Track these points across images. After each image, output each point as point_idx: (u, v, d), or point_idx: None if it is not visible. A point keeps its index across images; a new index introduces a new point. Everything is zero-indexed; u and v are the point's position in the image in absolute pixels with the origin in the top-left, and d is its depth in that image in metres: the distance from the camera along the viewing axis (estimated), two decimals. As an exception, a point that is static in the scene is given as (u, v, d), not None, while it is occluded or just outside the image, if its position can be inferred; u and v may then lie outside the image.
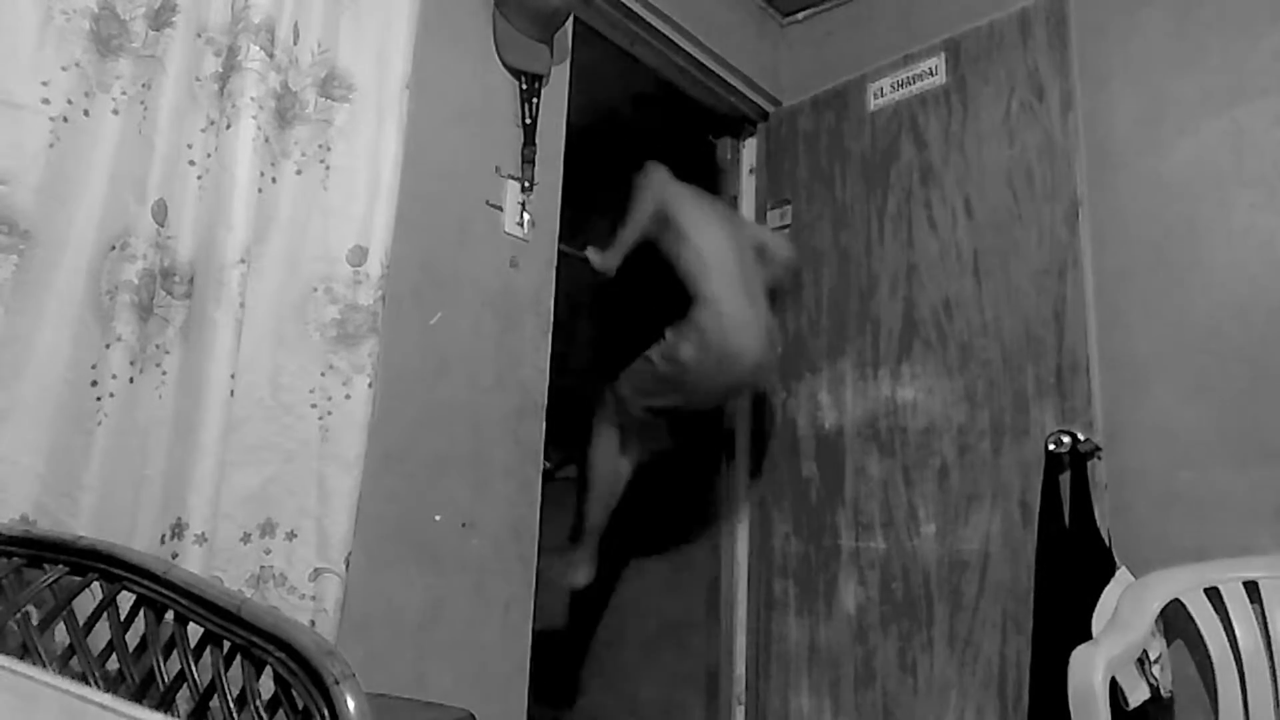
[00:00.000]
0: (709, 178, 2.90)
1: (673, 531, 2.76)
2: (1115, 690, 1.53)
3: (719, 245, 2.15)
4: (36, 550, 0.97)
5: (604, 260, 2.27)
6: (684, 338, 2.08)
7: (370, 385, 1.44)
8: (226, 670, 0.80)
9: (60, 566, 0.95)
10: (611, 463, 2.29)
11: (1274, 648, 1.61)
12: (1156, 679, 1.63)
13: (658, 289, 2.20)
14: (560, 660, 2.87)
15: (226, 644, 0.81)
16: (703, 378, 2.12)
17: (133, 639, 0.89)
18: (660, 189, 2.21)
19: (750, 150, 2.83)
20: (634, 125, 3.25)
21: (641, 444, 2.37)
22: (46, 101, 1.18)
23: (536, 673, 1.83)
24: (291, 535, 1.37)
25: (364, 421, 1.43)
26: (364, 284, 1.46)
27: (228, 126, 1.32)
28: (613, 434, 2.29)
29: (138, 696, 0.85)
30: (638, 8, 2.28)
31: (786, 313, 2.55)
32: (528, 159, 1.92)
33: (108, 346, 1.21)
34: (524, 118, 1.93)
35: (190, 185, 1.31)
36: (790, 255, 2.46)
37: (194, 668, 0.83)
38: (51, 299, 1.17)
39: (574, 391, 2.25)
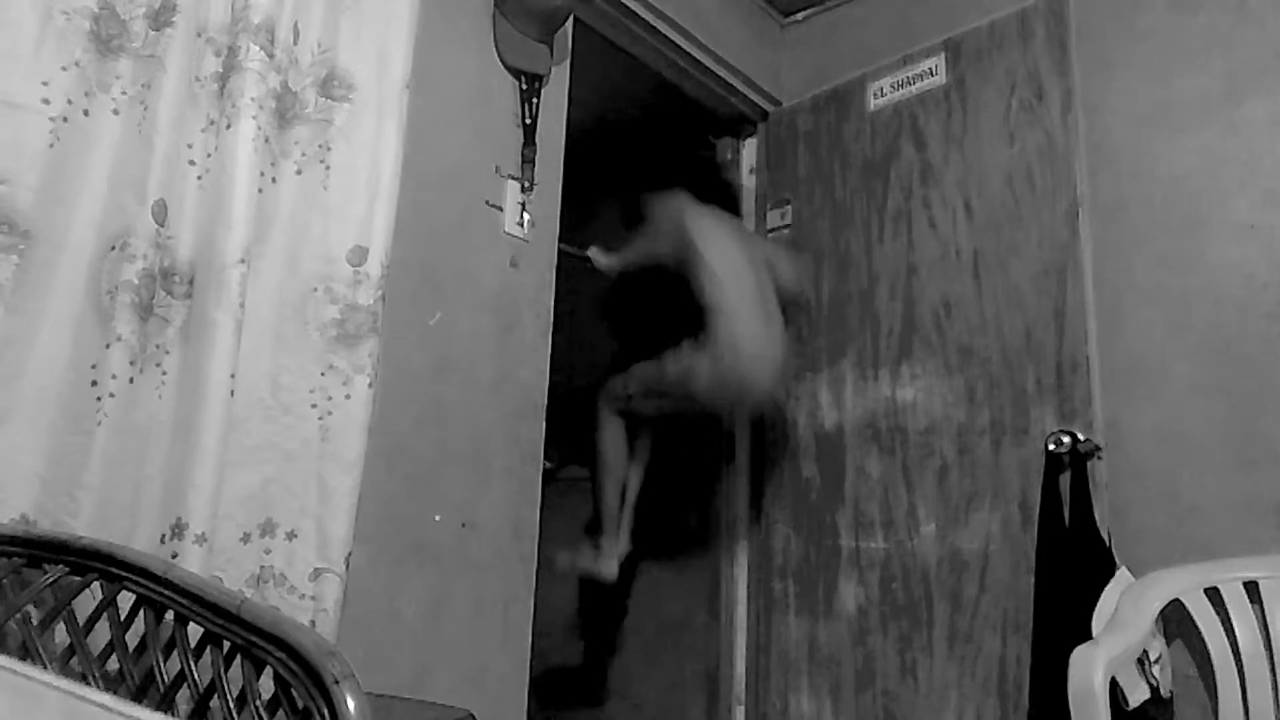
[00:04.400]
0: (708, 177, 2.91)
1: (673, 532, 2.76)
2: (1115, 690, 1.53)
3: (737, 270, 2.15)
4: (36, 550, 0.97)
5: (607, 261, 2.28)
6: (701, 358, 2.10)
7: (370, 385, 1.44)
8: (226, 670, 0.80)
9: (60, 566, 0.95)
10: (622, 449, 2.29)
11: (1274, 648, 1.61)
12: (1156, 679, 1.63)
13: (670, 292, 2.22)
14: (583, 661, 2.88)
15: (226, 644, 0.81)
16: (714, 396, 2.16)
17: (133, 639, 0.89)
18: (678, 216, 2.19)
19: (750, 150, 2.83)
20: (634, 125, 3.25)
21: (648, 434, 2.39)
22: (46, 101, 1.18)
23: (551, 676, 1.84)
24: (291, 535, 1.37)
25: (364, 421, 1.43)
26: (364, 284, 1.46)
27: (228, 126, 1.32)
28: (619, 421, 2.30)
29: (138, 696, 0.85)
30: (638, 8, 2.28)
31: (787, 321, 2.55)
32: (528, 159, 1.92)
33: (108, 346, 1.21)
34: (524, 118, 1.93)
35: (190, 185, 1.31)
36: (797, 280, 2.45)
37: (194, 668, 0.83)
38: (51, 299, 1.17)
39: (582, 390, 2.27)
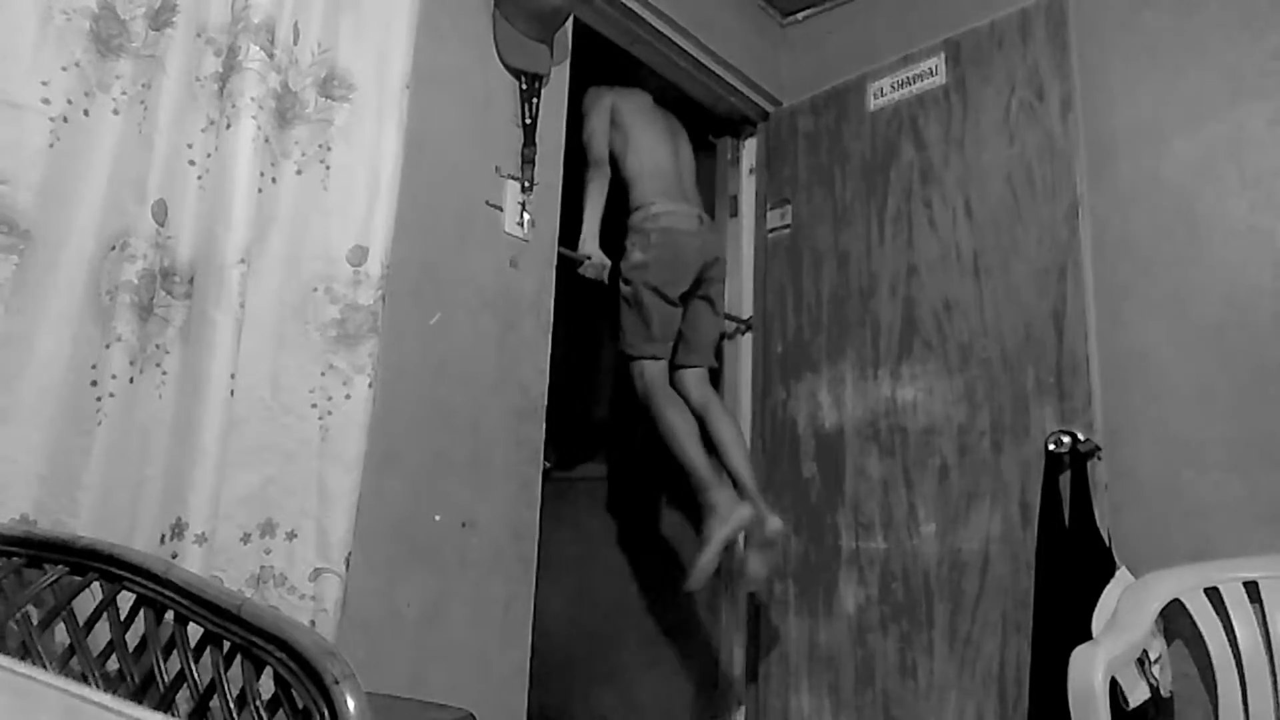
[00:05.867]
0: (708, 178, 2.91)
1: (673, 531, 2.76)
2: (1115, 690, 1.53)
3: (659, 152, 2.42)
4: (36, 550, 0.97)
5: (589, 243, 2.32)
6: (631, 248, 2.32)
7: (370, 385, 1.44)
8: (226, 670, 0.80)
9: (60, 567, 0.95)
10: (679, 406, 2.25)
11: (1274, 648, 1.61)
12: (1156, 679, 1.63)
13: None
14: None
15: (226, 644, 0.81)
16: (663, 268, 2.27)
17: (133, 639, 0.89)
18: (601, 96, 2.44)
19: (750, 150, 2.83)
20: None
21: (703, 388, 2.39)
22: (46, 101, 1.18)
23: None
24: (291, 535, 1.37)
25: (364, 422, 1.43)
26: (364, 284, 1.46)
27: (228, 126, 1.32)
28: (661, 387, 2.27)
29: (138, 696, 0.85)
30: (638, 8, 2.28)
31: (786, 310, 2.55)
32: (528, 159, 1.92)
33: (108, 346, 1.21)
34: (524, 118, 1.93)
35: (190, 185, 1.31)
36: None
37: (194, 668, 0.83)
38: (51, 299, 1.17)
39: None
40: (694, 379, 2.38)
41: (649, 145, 2.42)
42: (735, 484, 2.22)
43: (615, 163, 2.41)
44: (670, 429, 2.20)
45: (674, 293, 2.29)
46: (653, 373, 2.28)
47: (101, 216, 1.22)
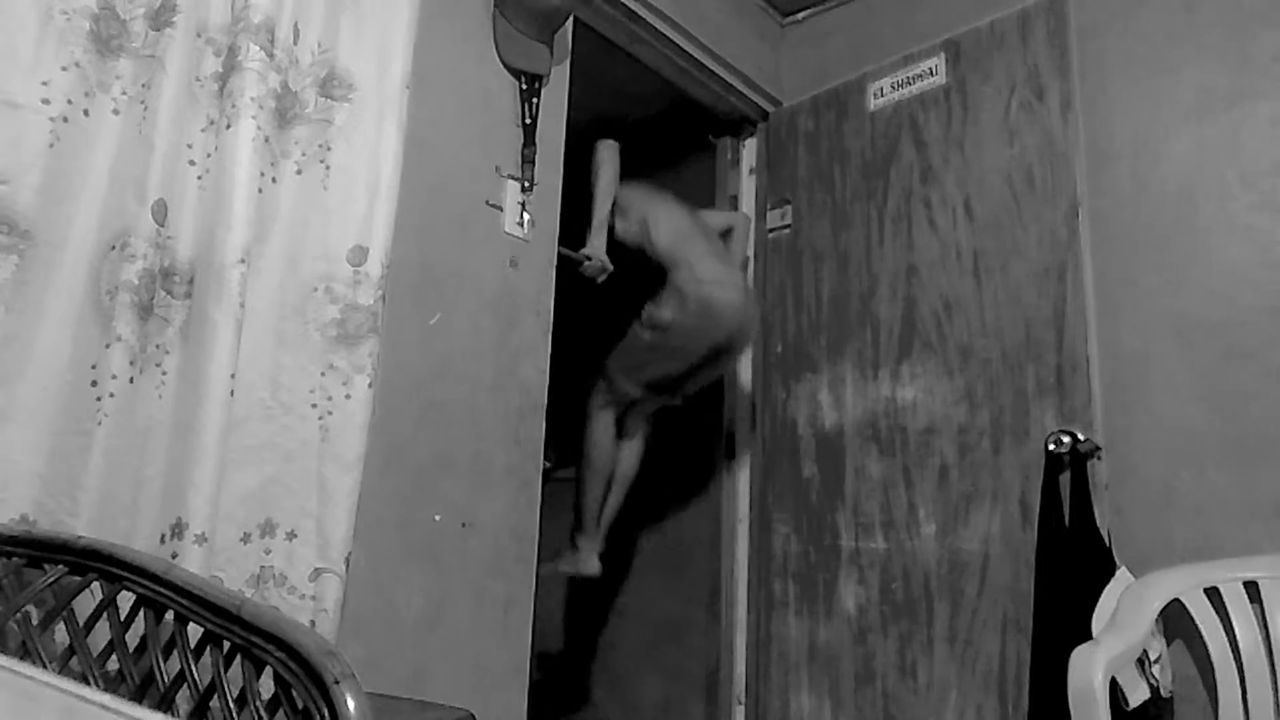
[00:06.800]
0: (708, 178, 2.91)
1: (673, 532, 2.76)
2: (1115, 690, 1.53)
3: (679, 220, 2.34)
4: (36, 550, 0.97)
5: (593, 248, 2.29)
6: (663, 303, 2.21)
7: (370, 385, 1.44)
8: (226, 670, 0.80)
9: (60, 566, 0.95)
10: (608, 445, 2.30)
11: (1274, 648, 1.61)
12: (1156, 679, 1.63)
13: (630, 279, 2.31)
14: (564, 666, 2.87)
15: (226, 644, 0.81)
16: (687, 336, 2.20)
17: (133, 639, 0.89)
18: (614, 157, 2.37)
19: (750, 150, 2.83)
20: (634, 125, 3.25)
21: (641, 428, 2.39)
22: (46, 101, 1.18)
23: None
24: (291, 535, 1.37)
25: (364, 421, 1.43)
26: (364, 284, 1.46)
27: (228, 126, 1.32)
28: (608, 417, 2.31)
29: (138, 696, 0.85)
30: (638, 8, 2.28)
31: (786, 310, 2.55)
32: (528, 159, 1.92)
33: (108, 346, 1.21)
34: (524, 118, 1.93)
35: (190, 185, 1.31)
36: (745, 217, 2.64)
37: (194, 668, 0.83)
38: (51, 299, 1.17)
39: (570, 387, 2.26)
40: (643, 412, 2.40)
41: (666, 215, 2.35)
42: (595, 515, 2.32)
43: (640, 247, 2.33)
44: (588, 461, 2.30)
45: (685, 361, 2.26)
46: (606, 406, 2.30)
47: (101, 216, 1.22)
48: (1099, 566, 1.79)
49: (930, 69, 2.35)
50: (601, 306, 2.48)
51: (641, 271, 2.30)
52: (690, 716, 2.60)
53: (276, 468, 1.36)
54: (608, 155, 2.37)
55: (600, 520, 2.33)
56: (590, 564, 2.30)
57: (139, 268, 1.24)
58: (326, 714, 0.68)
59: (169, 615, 0.87)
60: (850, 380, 2.37)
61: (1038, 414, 1.99)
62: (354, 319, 1.45)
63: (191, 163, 1.32)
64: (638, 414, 2.40)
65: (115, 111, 1.25)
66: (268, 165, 1.39)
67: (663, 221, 2.31)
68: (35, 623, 0.94)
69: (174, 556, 1.19)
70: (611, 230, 2.33)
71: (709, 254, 2.29)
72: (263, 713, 0.76)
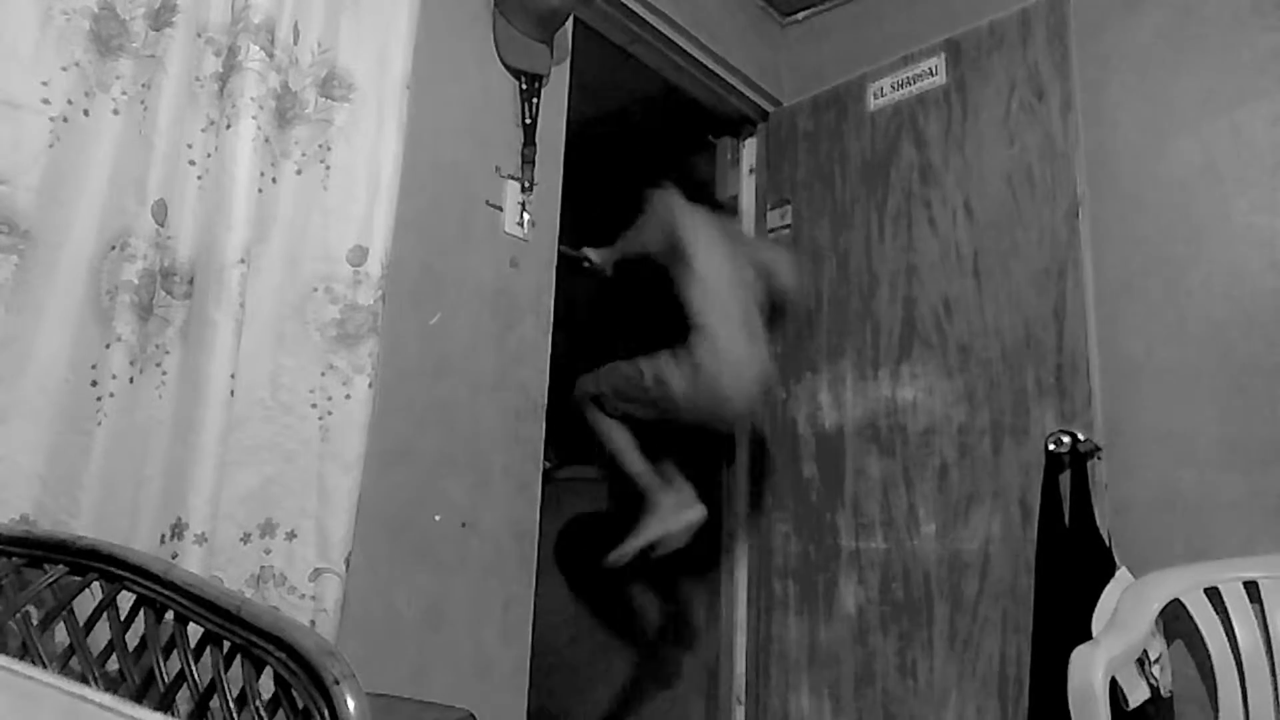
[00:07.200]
0: (708, 178, 2.91)
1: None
2: (1115, 690, 1.53)
3: (724, 279, 2.10)
4: (36, 550, 0.97)
5: (600, 257, 2.27)
6: (678, 367, 2.05)
7: (370, 385, 1.44)
8: (226, 670, 0.80)
9: (60, 566, 0.95)
10: (615, 422, 2.21)
11: (1274, 648, 1.61)
12: (1156, 679, 1.63)
13: (653, 293, 2.19)
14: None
15: (226, 644, 0.81)
16: (689, 409, 2.09)
17: (133, 639, 0.89)
18: (670, 214, 2.14)
19: (750, 150, 2.83)
20: (634, 125, 3.25)
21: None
22: (46, 101, 1.18)
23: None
24: (291, 535, 1.37)
25: (364, 421, 1.43)
26: (364, 284, 1.46)
27: (228, 126, 1.31)
28: (597, 412, 2.24)
29: (138, 696, 0.85)
30: (638, 8, 2.28)
31: (785, 323, 2.55)
32: (528, 159, 1.92)
33: (108, 346, 1.21)
34: (524, 118, 1.93)
35: (190, 185, 1.31)
36: (793, 279, 2.40)
37: (194, 668, 0.83)
38: (51, 299, 1.17)
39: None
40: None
41: (708, 259, 2.11)
42: (654, 475, 2.20)
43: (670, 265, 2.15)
44: (611, 442, 2.21)
45: (675, 420, 2.16)
46: (590, 402, 2.23)
47: (101, 216, 1.22)
48: (1099, 566, 1.79)
49: (930, 69, 2.35)
50: (601, 307, 2.49)
51: (645, 277, 2.22)
52: (690, 716, 2.60)
53: (276, 468, 1.36)
54: (663, 208, 2.15)
55: (664, 475, 2.21)
56: (695, 512, 2.18)
57: (139, 268, 1.24)
58: (326, 714, 0.68)
59: (169, 615, 0.87)
60: (850, 380, 2.37)
61: (1038, 414, 1.99)
62: (354, 319, 1.45)
63: (191, 163, 1.31)
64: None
65: (115, 111, 1.25)
66: (268, 165, 1.39)
67: (702, 267, 2.08)
68: (35, 623, 0.94)
69: (174, 556, 1.19)
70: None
71: (739, 325, 2.09)
72: (263, 713, 0.76)
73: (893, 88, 2.42)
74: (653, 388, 2.10)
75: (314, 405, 1.41)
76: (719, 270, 2.11)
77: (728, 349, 2.04)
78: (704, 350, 2.03)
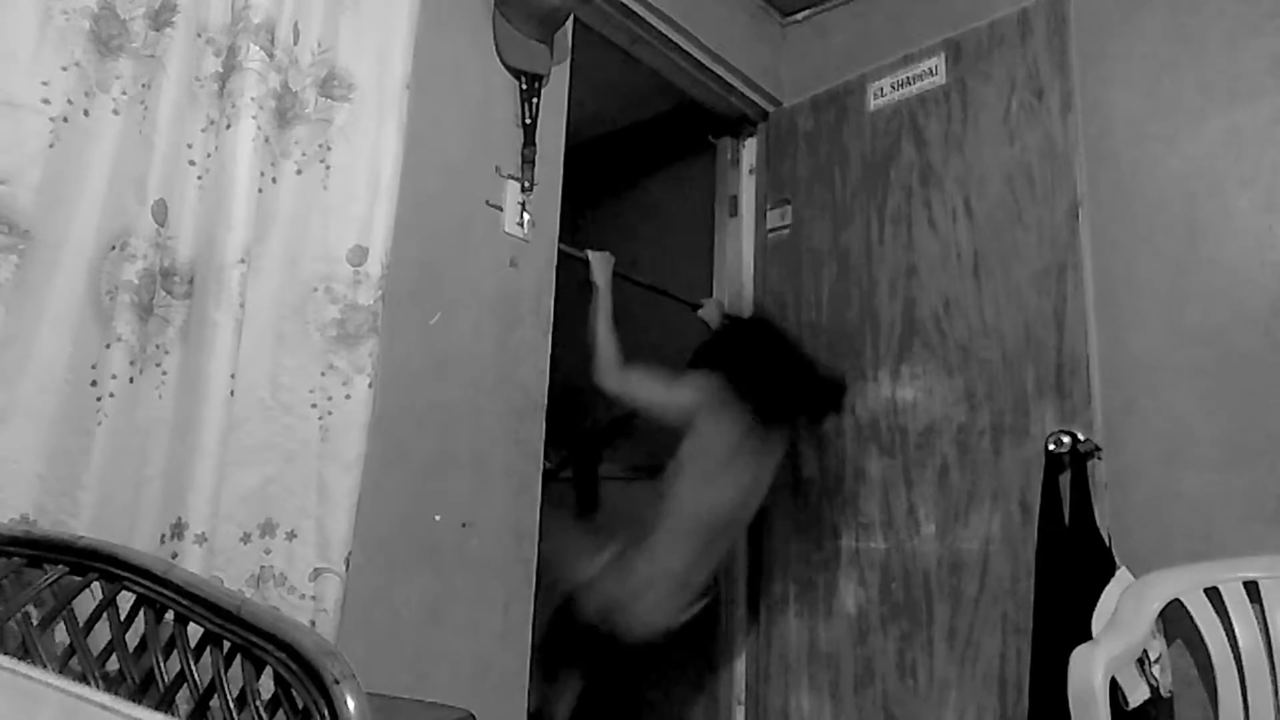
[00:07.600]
0: (708, 178, 2.91)
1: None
2: (1115, 690, 1.53)
3: (714, 498, 2.00)
4: (36, 550, 0.97)
5: (598, 276, 2.20)
6: (656, 500, 1.98)
7: (370, 385, 1.44)
8: (226, 670, 0.80)
9: (60, 567, 0.95)
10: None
11: (1274, 648, 1.61)
12: (1156, 679, 1.63)
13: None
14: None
15: (226, 644, 0.81)
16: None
17: (133, 639, 0.89)
18: (702, 397, 2.02)
19: (750, 150, 2.83)
20: (634, 125, 3.25)
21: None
22: (46, 101, 1.18)
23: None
24: (291, 535, 1.37)
25: (364, 421, 1.43)
26: (364, 284, 1.46)
27: (228, 126, 1.31)
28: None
29: (138, 696, 0.85)
30: (638, 8, 2.28)
31: (786, 310, 2.55)
32: (528, 159, 1.92)
33: (108, 346, 1.21)
34: (524, 118, 1.93)
35: (190, 185, 1.31)
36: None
37: (194, 668, 0.83)
38: (51, 299, 1.17)
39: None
40: None
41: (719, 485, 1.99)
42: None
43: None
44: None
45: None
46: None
47: (101, 216, 1.22)
48: (1099, 566, 1.79)
49: (930, 69, 2.35)
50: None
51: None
52: (690, 716, 2.60)
53: (277, 468, 1.36)
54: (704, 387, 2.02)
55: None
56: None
57: (139, 268, 1.24)
58: (326, 714, 0.68)
59: (169, 615, 0.87)
60: (849, 380, 2.37)
61: (1038, 414, 1.99)
62: (354, 319, 1.45)
63: (191, 163, 1.31)
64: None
65: (115, 111, 1.25)
66: (268, 165, 1.39)
67: (700, 477, 1.99)
68: (35, 623, 0.94)
69: (174, 556, 1.19)
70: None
71: (689, 551, 1.99)
72: (263, 713, 0.76)
73: (893, 88, 2.42)
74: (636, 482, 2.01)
75: (314, 405, 1.41)
76: (717, 484, 2.00)
77: (647, 588, 1.95)
78: (668, 506, 1.96)
